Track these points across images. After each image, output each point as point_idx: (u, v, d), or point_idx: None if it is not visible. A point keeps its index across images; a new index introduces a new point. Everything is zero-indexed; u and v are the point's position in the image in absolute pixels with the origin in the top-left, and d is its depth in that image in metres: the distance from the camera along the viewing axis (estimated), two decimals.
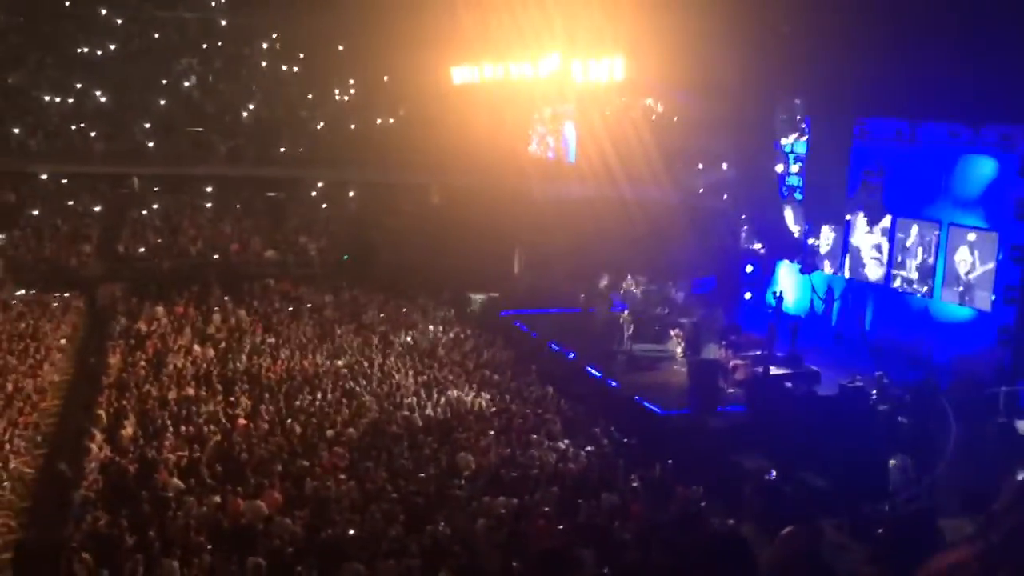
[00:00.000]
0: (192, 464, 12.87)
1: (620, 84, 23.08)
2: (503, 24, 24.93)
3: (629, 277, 21.40)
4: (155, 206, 31.67)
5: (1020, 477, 10.17)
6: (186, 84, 34.04)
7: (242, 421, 14.99)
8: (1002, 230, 16.63)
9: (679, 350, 19.09)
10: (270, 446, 13.72)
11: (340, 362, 19.11)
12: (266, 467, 12.79)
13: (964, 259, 17.46)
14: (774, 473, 12.53)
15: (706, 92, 20.50)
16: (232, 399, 16.24)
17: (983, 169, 17.19)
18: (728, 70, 18.11)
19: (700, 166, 23.22)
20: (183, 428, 14.48)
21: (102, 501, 11.48)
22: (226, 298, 24.52)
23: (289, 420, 15.09)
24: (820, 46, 17.75)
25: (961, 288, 17.57)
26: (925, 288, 18.36)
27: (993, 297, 16.74)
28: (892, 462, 12.15)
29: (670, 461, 13.50)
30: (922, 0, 15.64)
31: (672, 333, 19.77)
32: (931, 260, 18.18)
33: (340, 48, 34.27)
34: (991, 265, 16.84)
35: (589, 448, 14.43)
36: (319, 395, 16.63)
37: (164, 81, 33.36)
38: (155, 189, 31.92)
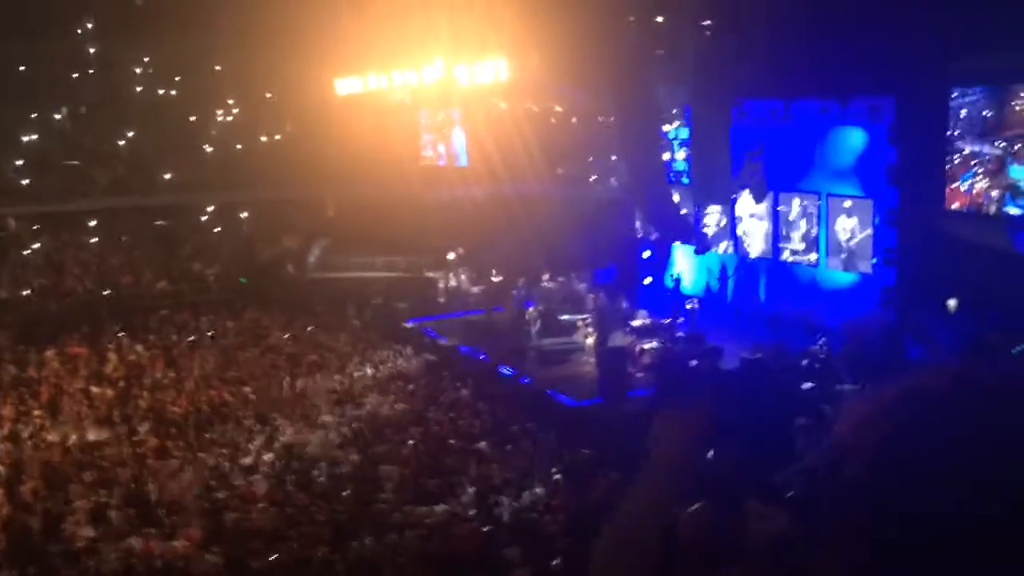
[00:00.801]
0: (101, 510, 12.40)
1: (505, 85, 23.33)
2: (385, 33, 24.85)
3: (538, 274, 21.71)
4: (36, 246, 30.25)
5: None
6: (57, 117, 32.65)
7: (150, 460, 14.53)
8: (876, 196, 17.59)
9: (587, 341, 19.44)
10: (182, 482, 13.34)
11: (247, 388, 18.70)
12: (180, 504, 12.45)
13: (844, 227, 18.37)
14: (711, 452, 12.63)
15: (589, 86, 20.97)
16: (137, 439, 15.72)
17: (854, 140, 18.14)
18: (607, 64, 18.56)
19: (589, 159, 23.71)
20: (88, 474, 13.93)
21: (7, 561, 10.96)
22: (121, 334, 23.63)
23: (200, 453, 14.71)
24: (695, 34, 18.40)
25: (844, 255, 18.48)
26: (812, 257, 19.22)
27: (874, 260, 17.69)
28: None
29: (586, 451, 13.76)
30: None
31: (578, 324, 20.11)
32: (814, 230, 19.06)
33: (218, 68, 33.45)
34: (869, 231, 17.78)
35: (508, 447, 14.56)
36: (229, 424, 16.26)
37: (33, 115, 31.92)
38: (34, 228, 30.49)
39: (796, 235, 19.58)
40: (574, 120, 23.76)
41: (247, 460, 14.31)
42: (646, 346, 17.82)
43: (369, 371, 19.95)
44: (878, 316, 16.92)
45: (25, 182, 30.59)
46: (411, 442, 14.77)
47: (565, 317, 20.33)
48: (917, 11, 14.78)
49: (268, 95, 33.49)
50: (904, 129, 16.73)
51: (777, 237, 19.99)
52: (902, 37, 15.08)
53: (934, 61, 15.55)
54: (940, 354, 14.87)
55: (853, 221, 18.22)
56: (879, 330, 16.21)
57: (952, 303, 15.67)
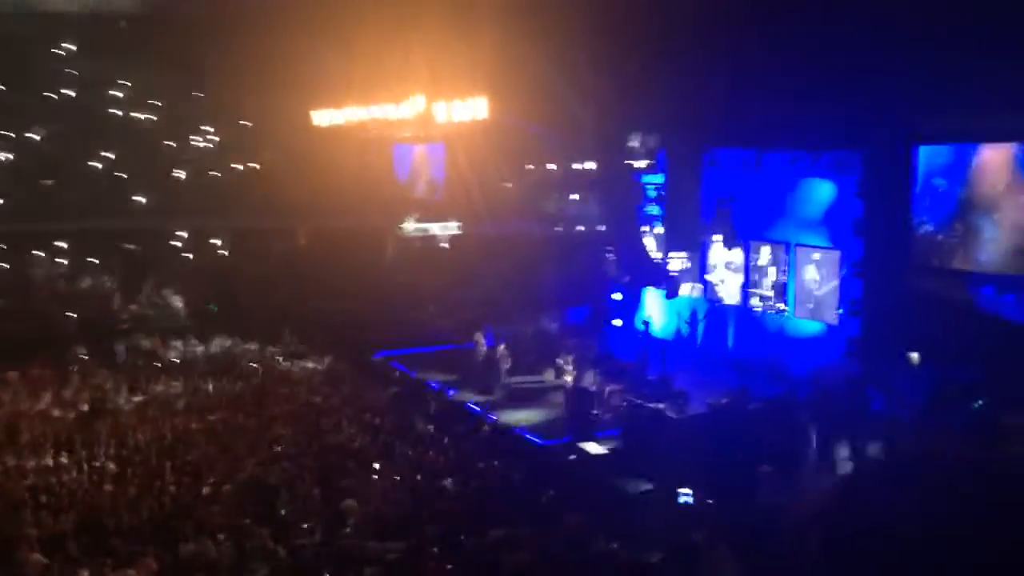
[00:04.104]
0: (56, 537, 12.17)
1: (483, 122, 23.58)
2: (367, 67, 25.10)
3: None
4: (4, 265, 29.88)
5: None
6: (33, 136, 32.43)
7: (108, 487, 14.29)
8: (843, 248, 17.92)
9: (555, 380, 19.48)
10: (141, 511, 13.13)
11: (213, 417, 18.50)
12: (137, 533, 12.24)
13: (812, 277, 18.68)
14: (688, 495, 12.44)
15: (565, 129, 21.28)
16: (97, 464, 15.47)
17: (822, 192, 18.53)
18: (583, 108, 18.89)
19: (569, 198, 23.95)
20: (44, 499, 13.68)
21: None
22: (86, 358, 23.33)
23: (159, 481, 14.49)
24: (671, 84, 18.77)
25: (812, 304, 18.76)
26: (780, 306, 19.49)
27: (840, 311, 17.97)
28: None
29: (552, 491, 13.74)
30: (760, 39, 16.78)
31: (549, 364, 20.15)
32: (783, 279, 19.34)
33: (199, 95, 33.49)
34: (836, 282, 18.09)
35: (474, 484, 14.49)
36: (192, 453, 16.05)
37: (9, 133, 31.72)
38: (2, 247, 30.14)
39: (766, 283, 19.87)
40: (550, 166, 24.01)
41: (207, 490, 14.11)
42: (614, 388, 17.88)
43: (336, 403, 19.80)
44: (843, 366, 17.15)
45: None
46: (375, 477, 14.67)
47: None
48: (885, 69, 15.21)
49: (247, 123, 33.53)
50: (870, 184, 17.12)
51: (747, 284, 20.26)
52: (870, 93, 15.51)
53: (900, 118, 15.98)
54: (902, 406, 15.08)
55: (820, 272, 18.54)
56: (844, 380, 16.42)
57: (915, 356, 15.93)
